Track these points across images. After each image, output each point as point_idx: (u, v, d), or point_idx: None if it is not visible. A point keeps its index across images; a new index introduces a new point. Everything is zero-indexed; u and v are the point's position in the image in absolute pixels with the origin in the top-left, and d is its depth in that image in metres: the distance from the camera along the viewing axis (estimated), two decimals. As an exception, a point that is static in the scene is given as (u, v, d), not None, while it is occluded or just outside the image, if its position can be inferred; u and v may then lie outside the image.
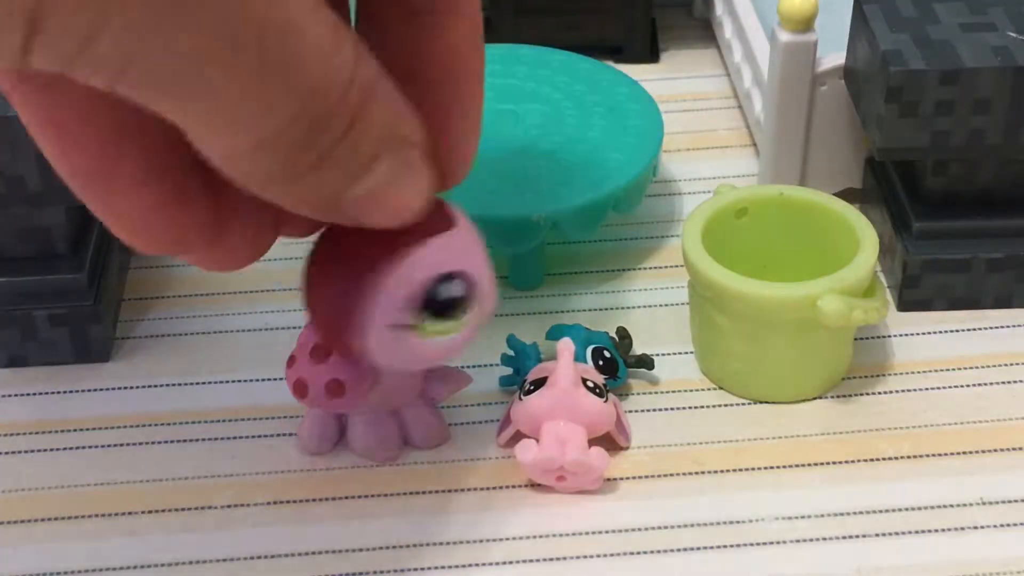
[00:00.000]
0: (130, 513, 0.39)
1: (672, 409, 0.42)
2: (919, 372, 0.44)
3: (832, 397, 0.43)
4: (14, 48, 0.22)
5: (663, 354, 0.44)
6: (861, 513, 0.39)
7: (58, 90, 0.27)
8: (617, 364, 0.42)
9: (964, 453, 0.41)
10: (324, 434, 0.40)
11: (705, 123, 0.56)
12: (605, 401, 0.40)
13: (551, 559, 0.38)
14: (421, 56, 0.31)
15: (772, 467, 0.40)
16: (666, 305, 0.47)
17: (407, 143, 0.29)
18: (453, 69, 0.31)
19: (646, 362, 0.43)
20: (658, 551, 0.38)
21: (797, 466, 0.40)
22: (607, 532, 0.38)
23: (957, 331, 0.45)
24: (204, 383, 0.44)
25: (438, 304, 0.32)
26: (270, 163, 0.26)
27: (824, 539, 0.38)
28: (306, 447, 0.41)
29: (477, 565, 0.37)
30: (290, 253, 0.49)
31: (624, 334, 0.44)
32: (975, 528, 0.38)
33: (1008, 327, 0.45)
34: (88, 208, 0.29)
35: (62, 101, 0.27)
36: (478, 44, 0.31)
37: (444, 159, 0.32)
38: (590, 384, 0.40)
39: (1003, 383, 0.43)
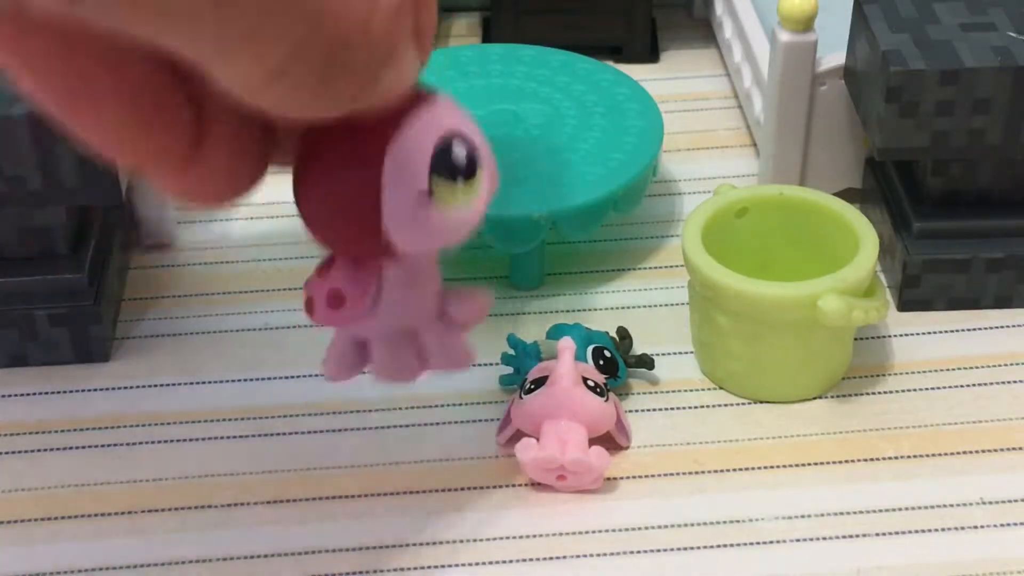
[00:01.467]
0: (130, 513, 0.39)
1: (672, 409, 0.42)
2: (919, 372, 0.44)
3: (832, 397, 0.43)
4: None
5: (663, 354, 0.44)
6: (861, 513, 0.39)
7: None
8: (617, 364, 0.42)
9: (964, 453, 0.41)
10: (346, 359, 0.39)
11: (705, 123, 0.56)
12: (605, 400, 0.40)
13: (551, 558, 0.38)
14: None
15: (772, 467, 0.40)
16: (666, 305, 0.47)
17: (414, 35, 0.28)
18: None
19: (646, 362, 0.43)
20: (658, 551, 0.38)
21: (797, 466, 0.40)
22: (607, 532, 0.38)
23: (957, 331, 0.45)
24: (204, 383, 0.44)
25: (454, 163, 0.31)
26: (298, 89, 0.25)
27: (824, 539, 0.38)
28: (330, 372, 0.39)
29: (478, 564, 0.37)
30: (290, 253, 0.49)
31: (624, 334, 0.44)
32: (975, 528, 0.38)
33: (1008, 327, 0.45)
34: (65, 132, 0.29)
35: (35, 26, 0.27)
36: None
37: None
38: (590, 383, 0.40)
39: (1003, 383, 0.43)
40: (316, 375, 0.43)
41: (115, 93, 0.27)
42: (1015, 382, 0.43)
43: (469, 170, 0.32)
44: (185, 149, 0.29)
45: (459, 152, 0.31)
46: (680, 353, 0.44)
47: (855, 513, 0.39)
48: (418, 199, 0.31)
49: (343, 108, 0.27)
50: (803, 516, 0.39)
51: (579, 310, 0.47)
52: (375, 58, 0.26)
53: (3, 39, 0.27)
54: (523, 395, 0.40)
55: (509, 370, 0.43)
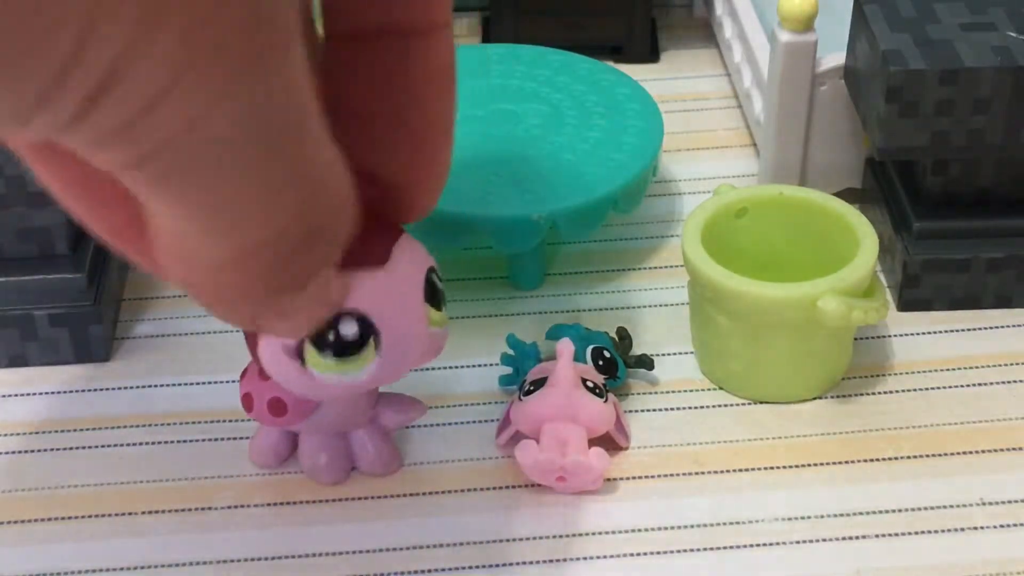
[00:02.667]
0: (130, 513, 0.39)
1: (672, 409, 0.42)
2: (919, 372, 0.44)
3: (832, 397, 0.43)
4: (65, 115, 0.19)
5: (663, 354, 0.44)
6: (861, 513, 0.39)
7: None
8: (617, 364, 0.42)
9: (964, 453, 0.41)
10: (275, 449, 0.40)
11: (705, 123, 0.56)
12: (605, 401, 0.40)
13: (551, 560, 0.38)
14: (400, 79, 0.29)
15: (772, 467, 0.40)
16: (666, 305, 0.47)
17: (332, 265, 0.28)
18: (433, 89, 0.29)
19: (646, 362, 0.43)
20: (658, 551, 0.38)
21: (797, 466, 0.40)
22: (607, 532, 0.38)
23: (957, 331, 0.45)
24: (204, 383, 0.44)
25: (325, 340, 0.32)
26: (252, 276, 0.26)
27: (824, 539, 0.38)
28: (255, 459, 0.40)
29: (478, 567, 0.37)
30: (290, 253, 0.49)
31: (624, 334, 0.44)
32: (975, 528, 0.38)
33: (1008, 327, 0.45)
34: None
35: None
36: (453, 63, 0.29)
37: (410, 193, 0.31)
38: (590, 384, 0.40)
39: (1003, 383, 0.43)
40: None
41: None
42: (1015, 382, 0.43)
43: (346, 351, 0.32)
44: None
45: (344, 332, 0.32)
46: (680, 353, 0.44)
47: (855, 514, 0.39)
48: (281, 352, 0.33)
49: (292, 288, 0.28)
50: (803, 517, 0.39)
51: (579, 310, 0.47)
52: (337, 243, 0.27)
53: (62, 165, 0.26)
54: (522, 396, 0.40)
55: (508, 370, 0.43)
